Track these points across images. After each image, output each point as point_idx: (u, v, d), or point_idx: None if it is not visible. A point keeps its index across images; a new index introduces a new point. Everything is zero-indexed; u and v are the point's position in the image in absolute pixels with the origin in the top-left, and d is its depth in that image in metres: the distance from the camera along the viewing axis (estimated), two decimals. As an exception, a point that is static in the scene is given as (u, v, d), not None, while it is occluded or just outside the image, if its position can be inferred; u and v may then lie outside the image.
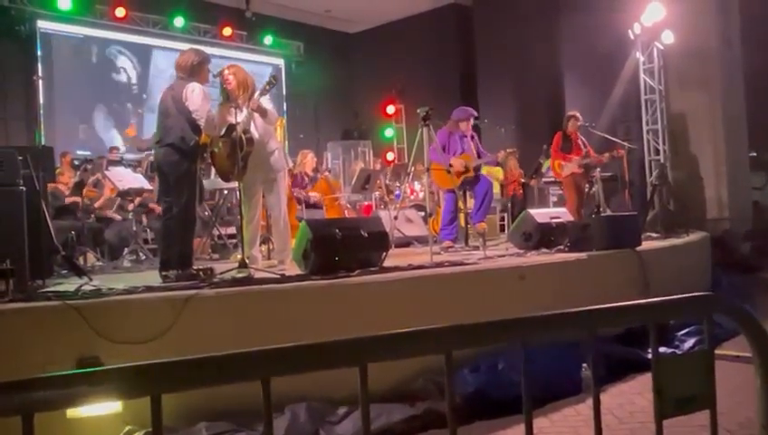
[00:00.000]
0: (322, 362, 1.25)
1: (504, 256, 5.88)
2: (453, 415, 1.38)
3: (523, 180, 10.78)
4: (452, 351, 1.34)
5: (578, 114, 8.36)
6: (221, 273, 4.51)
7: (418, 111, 6.24)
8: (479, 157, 7.19)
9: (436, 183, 7.21)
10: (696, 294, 1.68)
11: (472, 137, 7.30)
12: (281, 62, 15.48)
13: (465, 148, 7.10)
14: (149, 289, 3.85)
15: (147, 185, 7.43)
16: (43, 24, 12.04)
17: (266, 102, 5.33)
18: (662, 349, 4.34)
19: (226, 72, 5.29)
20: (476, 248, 6.51)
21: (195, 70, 4.89)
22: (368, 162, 13.36)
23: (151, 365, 1.11)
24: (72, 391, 1.07)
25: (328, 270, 4.33)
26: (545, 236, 6.20)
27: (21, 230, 3.98)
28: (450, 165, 6.81)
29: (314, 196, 8.74)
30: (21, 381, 1.04)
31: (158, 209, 6.35)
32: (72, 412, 3.15)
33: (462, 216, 7.31)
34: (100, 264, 6.74)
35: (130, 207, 7.52)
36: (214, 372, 1.17)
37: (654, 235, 7.60)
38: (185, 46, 7.06)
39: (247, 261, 4.86)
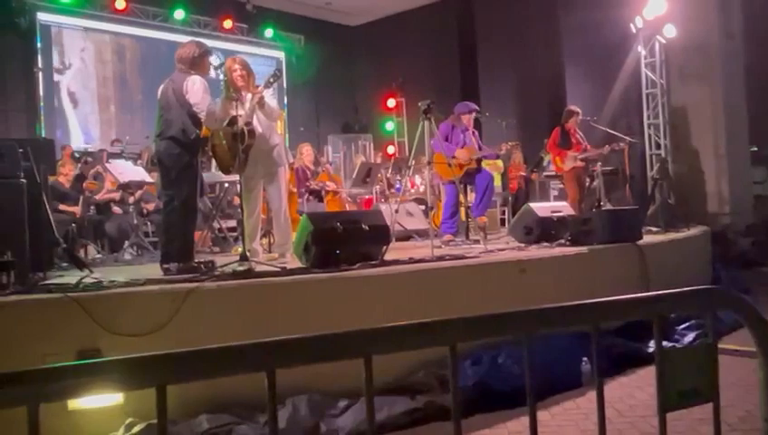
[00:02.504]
0: (329, 353, 1.25)
1: (504, 249, 5.87)
2: (457, 407, 1.38)
3: (523, 174, 10.77)
4: (456, 343, 1.34)
5: (578, 109, 8.34)
6: (222, 266, 4.51)
7: (420, 104, 6.22)
8: (480, 150, 7.20)
9: (438, 174, 7.21)
10: (700, 287, 1.68)
11: (473, 132, 7.30)
12: (281, 55, 15.45)
13: (468, 141, 7.10)
14: (150, 282, 3.85)
15: (147, 178, 7.43)
16: (42, 17, 12.02)
17: (269, 97, 5.31)
18: (663, 343, 4.35)
19: (235, 65, 5.27)
20: (477, 242, 6.50)
21: (196, 62, 4.88)
22: (368, 156, 13.35)
23: (157, 356, 1.11)
24: (78, 382, 1.07)
25: (329, 263, 4.34)
26: (546, 230, 6.19)
27: (22, 223, 3.97)
28: (454, 156, 6.81)
29: (330, 185, 8.80)
30: (27, 371, 1.04)
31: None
32: (74, 404, 3.15)
33: (463, 209, 7.30)
34: (101, 256, 6.75)
35: (131, 199, 7.52)
36: (220, 362, 1.16)
37: (654, 229, 7.59)
38: (185, 39, 7.04)
39: (248, 254, 4.86)
